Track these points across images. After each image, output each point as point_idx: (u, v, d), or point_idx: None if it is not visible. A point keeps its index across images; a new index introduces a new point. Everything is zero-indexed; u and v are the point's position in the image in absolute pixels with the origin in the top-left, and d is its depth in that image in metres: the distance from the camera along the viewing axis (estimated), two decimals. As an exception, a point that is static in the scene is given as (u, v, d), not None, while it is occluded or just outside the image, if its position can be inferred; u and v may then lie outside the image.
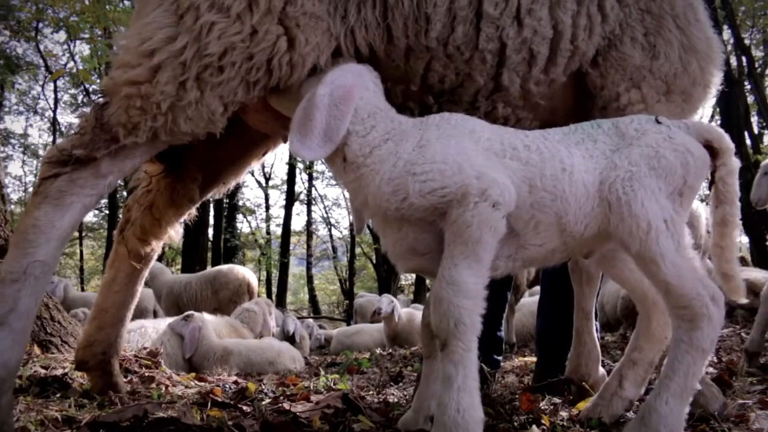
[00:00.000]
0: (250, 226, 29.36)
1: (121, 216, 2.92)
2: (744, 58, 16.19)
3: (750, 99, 16.89)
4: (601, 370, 2.76)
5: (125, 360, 3.55)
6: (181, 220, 2.84)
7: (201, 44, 2.04)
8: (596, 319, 2.90)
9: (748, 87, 16.52)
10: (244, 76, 2.10)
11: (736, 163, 2.07)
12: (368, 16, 2.21)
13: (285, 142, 2.83)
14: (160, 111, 2.06)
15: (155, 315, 10.70)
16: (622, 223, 1.89)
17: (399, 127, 2.05)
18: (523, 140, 2.02)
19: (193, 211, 2.85)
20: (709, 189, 2.12)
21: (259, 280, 27.25)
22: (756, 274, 7.21)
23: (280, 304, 22.10)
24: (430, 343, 2.14)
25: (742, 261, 10.30)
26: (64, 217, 2.08)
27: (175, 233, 2.81)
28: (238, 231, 26.35)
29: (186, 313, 6.56)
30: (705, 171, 2.05)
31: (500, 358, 3.59)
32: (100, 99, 2.16)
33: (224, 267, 10.95)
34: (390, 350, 8.98)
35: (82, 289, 24.24)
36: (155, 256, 2.87)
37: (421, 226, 1.95)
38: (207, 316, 6.92)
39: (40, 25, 18.78)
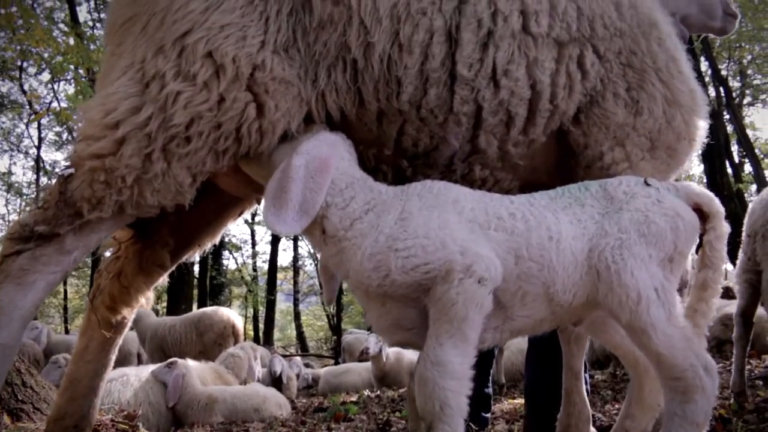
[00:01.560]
0: (237, 263, 29.11)
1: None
2: (722, 89, 16.47)
3: (729, 128, 17.13)
4: (593, 430, 2.67)
5: (101, 425, 3.40)
6: (153, 287, 2.74)
7: (166, 115, 1.98)
8: (586, 371, 2.82)
9: (727, 117, 16.78)
10: (212, 145, 2.04)
11: (725, 228, 2.02)
12: (338, 80, 2.16)
13: (259, 203, 2.76)
14: (125, 184, 1.98)
15: (139, 358, 10.54)
16: (612, 292, 1.83)
17: (379, 197, 1.99)
18: (508, 208, 1.96)
19: (165, 277, 2.75)
20: (696, 252, 2.07)
21: (246, 317, 26.97)
22: (743, 307, 7.17)
23: (268, 341, 21.82)
24: (417, 419, 2.06)
25: (728, 292, 10.24)
26: (27, 296, 1.99)
27: (146, 300, 2.71)
28: (225, 268, 26.11)
29: (169, 360, 6.43)
30: (695, 235, 2.00)
31: (488, 415, 3.49)
32: (65, 171, 2.08)
33: (209, 309, 10.82)
34: (378, 392, 8.85)
35: (66, 329, 23.85)
36: (129, 324, 2.76)
37: (404, 302, 1.88)
38: (191, 363, 6.79)
39: (24, 64, 18.77)
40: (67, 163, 2.07)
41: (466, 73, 2.17)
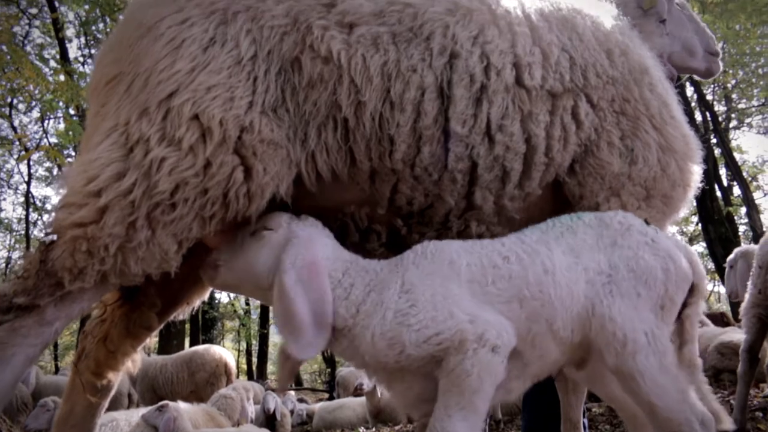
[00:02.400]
0: (229, 297, 28.79)
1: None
2: (708, 114, 16.63)
3: (717, 152, 17.27)
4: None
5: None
6: (139, 348, 2.64)
7: (151, 182, 1.91)
8: (584, 416, 2.75)
9: (714, 141, 16.93)
10: (198, 211, 1.96)
11: (702, 308, 2.01)
12: (329, 140, 2.10)
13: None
14: (108, 254, 1.90)
15: (130, 398, 10.34)
16: (602, 329, 1.80)
17: (376, 276, 1.94)
18: (501, 252, 1.92)
19: (152, 338, 2.66)
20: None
21: (239, 351, 26.65)
22: (739, 335, 7.13)
23: (261, 375, 21.56)
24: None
25: (723, 318, 10.20)
26: (5, 371, 1.89)
27: (133, 363, 2.61)
28: (217, 302, 25.88)
29: (160, 403, 6.29)
30: (685, 287, 1.96)
31: (487, 466, 3.40)
32: (47, 238, 1.99)
33: (200, 348, 10.65)
34: (373, 429, 8.72)
35: (56, 367, 23.53)
36: (115, 387, 2.66)
37: (423, 374, 1.83)
38: (182, 405, 6.64)
39: (14, 101, 18.74)
40: (49, 230, 1.99)
41: (460, 129, 2.13)
